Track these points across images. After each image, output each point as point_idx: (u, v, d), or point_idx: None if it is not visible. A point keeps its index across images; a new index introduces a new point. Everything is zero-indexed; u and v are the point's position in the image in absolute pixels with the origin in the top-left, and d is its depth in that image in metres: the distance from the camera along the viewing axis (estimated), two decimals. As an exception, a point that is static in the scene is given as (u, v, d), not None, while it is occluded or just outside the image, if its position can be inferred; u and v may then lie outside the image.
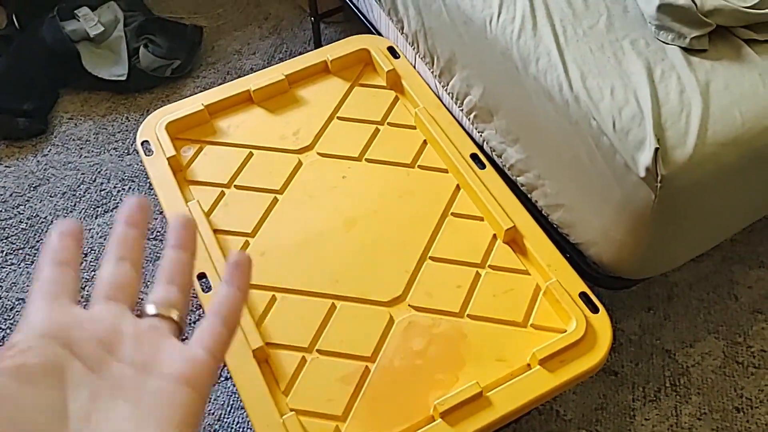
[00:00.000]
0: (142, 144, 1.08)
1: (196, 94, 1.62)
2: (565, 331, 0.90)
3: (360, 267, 0.96)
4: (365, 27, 1.34)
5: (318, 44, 1.62)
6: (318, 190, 1.05)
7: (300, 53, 1.71)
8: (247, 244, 0.99)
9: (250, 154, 1.09)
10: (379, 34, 1.30)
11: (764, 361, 1.20)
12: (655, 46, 0.87)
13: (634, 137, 0.78)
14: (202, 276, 0.94)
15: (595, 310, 0.90)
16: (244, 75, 1.68)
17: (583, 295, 0.91)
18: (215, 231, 0.99)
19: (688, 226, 0.86)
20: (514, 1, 0.92)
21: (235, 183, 1.06)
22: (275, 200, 1.04)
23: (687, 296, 1.28)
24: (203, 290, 0.93)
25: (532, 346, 0.88)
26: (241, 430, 1.14)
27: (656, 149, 0.76)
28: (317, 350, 0.89)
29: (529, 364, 0.87)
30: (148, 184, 1.45)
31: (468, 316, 0.92)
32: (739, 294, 1.28)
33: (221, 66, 1.68)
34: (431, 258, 0.97)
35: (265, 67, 1.68)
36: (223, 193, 1.04)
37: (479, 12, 0.93)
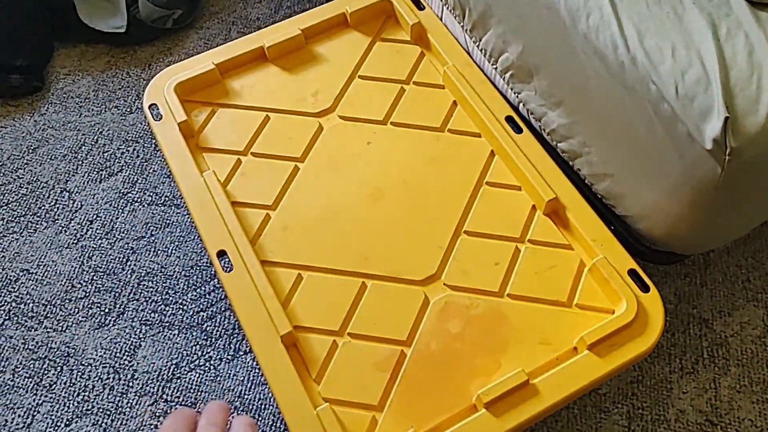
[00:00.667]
0: (149, 108, 1.00)
1: (198, 46, 1.53)
2: (613, 311, 0.84)
3: (390, 242, 0.90)
4: None
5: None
6: (341, 157, 0.97)
7: (309, 0, 1.60)
8: (267, 217, 0.92)
9: (267, 118, 1.01)
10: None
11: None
12: (719, 0, 0.78)
13: (700, 104, 0.71)
14: (221, 254, 0.88)
15: (645, 288, 0.84)
16: (250, 25, 1.58)
17: (632, 273, 0.85)
18: (233, 203, 0.92)
19: (754, 199, 0.79)
20: (560, -54, 0.82)
21: (252, 150, 0.98)
22: (296, 169, 0.96)
23: (725, 262, 1.22)
24: (224, 269, 0.86)
25: (579, 328, 0.83)
26: (262, 406, 1.09)
27: (726, 118, 0.68)
28: (349, 334, 0.83)
29: (575, 348, 0.82)
30: (153, 146, 1.37)
31: (508, 295, 0.86)
32: (783, 254, 1.22)
33: (225, 15, 1.58)
34: (466, 232, 0.91)
35: (272, 16, 1.58)
36: (239, 162, 0.97)
37: (523, -40, 0.84)
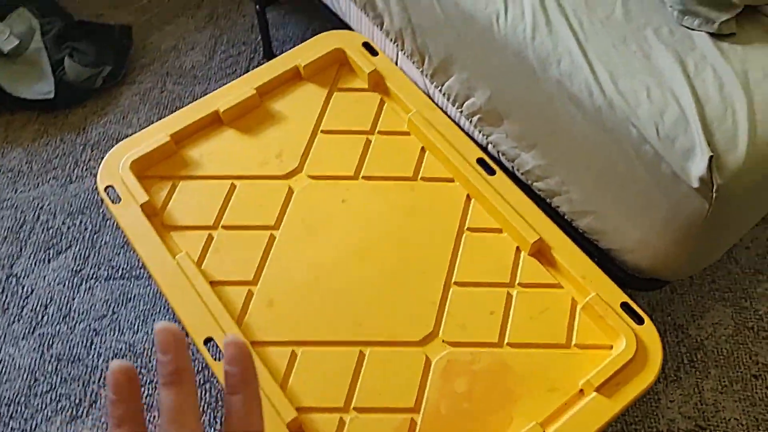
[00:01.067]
0: (105, 190, 0.94)
1: (134, 102, 1.45)
2: (611, 346, 0.85)
3: (382, 304, 0.88)
4: (316, 7, 1.21)
5: (265, 32, 1.47)
6: (317, 219, 0.94)
7: (244, 42, 1.55)
8: (250, 294, 0.88)
9: (233, 186, 0.96)
10: (345, 23, 1.18)
11: None
12: (681, 33, 0.80)
13: (682, 144, 0.72)
14: (208, 341, 0.83)
15: (639, 320, 0.85)
16: (185, 74, 1.51)
17: (625, 306, 0.86)
18: (212, 283, 0.88)
19: (736, 225, 0.81)
20: (521, -7, 0.82)
21: (222, 223, 0.93)
22: (272, 237, 0.92)
23: (690, 266, 1.26)
24: (214, 358, 0.82)
25: (581, 369, 0.83)
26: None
27: (710, 157, 0.70)
28: (355, 408, 0.81)
29: (582, 390, 0.82)
30: (101, 215, 1.30)
31: (508, 344, 0.85)
32: (738, 256, 1.27)
33: (158, 67, 1.51)
34: (456, 283, 0.89)
35: (207, 63, 1.52)
36: (211, 237, 0.92)
37: (482, 9, 0.83)
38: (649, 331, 0.84)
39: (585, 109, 0.77)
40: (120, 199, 0.92)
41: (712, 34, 0.79)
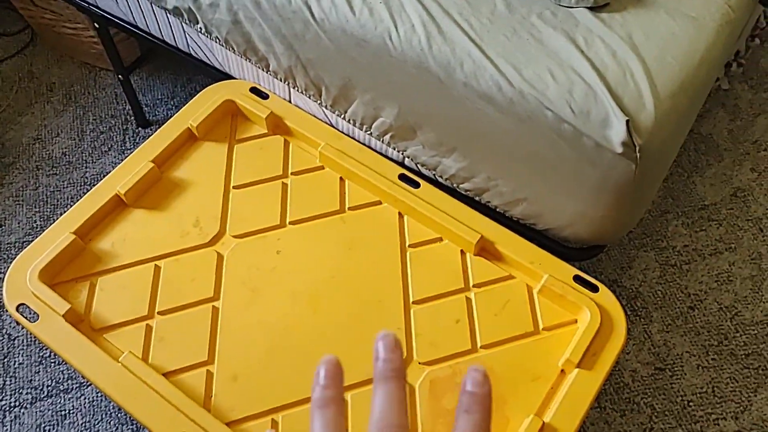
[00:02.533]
0: (17, 309, 0.84)
1: (9, 206, 1.33)
2: (575, 320, 0.87)
3: (350, 345, 0.85)
4: (180, 63, 1.16)
5: (134, 100, 1.39)
6: (257, 278, 0.90)
7: (112, 116, 1.47)
8: (210, 374, 0.83)
9: (157, 268, 0.90)
10: (219, 73, 1.14)
11: (690, 254, 1.29)
12: (562, 13, 0.83)
13: (597, 115, 0.75)
14: (184, 439, 0.77)
15: (594, 288, 0.88)
16: (58, 162, 1.40)
17: (578, 279, 0.88)
18: (166, 375, 0.81)
19: (657, 179, 0.86)
20: (403, 8, 0.83)
21: (157, 310, 0.87)
22: (215, 310, 0.87)
23: (606, 223, 1.33)
24: (193, 455, 0.76)
25: (556, 350, 0.84)
26: None
27: (627, 121, 0.73)
28: (355, 458, 0.78)
29: (563, 370, 0.83)
30: (6, 336, 1.17)
31: (482, 347, 0.85)
32: (643, 203, 1.35)
33: (25, 162, 1.39)
34: (414, 302, 0.88)
35: (78, 145, 1.42)
36: (149, 328, 0.86)
37: (372, 30, 0.83)
38: (606, 296, 0.87)
39: (497, 104, 0.79)
40: (38, 316, 0.84)
41: (590, 8, 0.83)
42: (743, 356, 1.18)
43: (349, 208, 0.96)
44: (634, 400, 1.13)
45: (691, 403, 1.13)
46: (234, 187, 0.97)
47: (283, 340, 0.85)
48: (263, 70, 1.01)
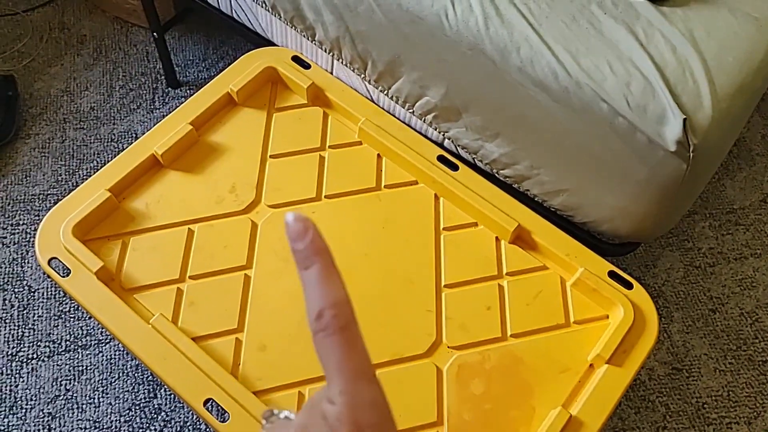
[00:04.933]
0: (49, 263, 0.84)
1: (34, 157, 1.32)
2: (607, 316, 0.87)
3: (379, 323, 0.85)
4: (214, 25, 1.14)
5: (167, 59, 1.38)
6: (289, 251, 0.89)
7: (142, 73, 1.45)
8: (239, 342, 0.82)
9: (191, 232, 0.89)
10: (256, 37, 1.12)
11: (715, 257, 1.28)
12: (623, 4, 0.81)
13: (653, 111, 0.74)
14: (207, 402, 0.77)
15: (628, 285, 0.87)
16: (85, 117, 1.38)
17: (612, 274, 0.88)
18: (195, 340, 0.81)
19: (705, 179, 0.85)
20: (463, -14, 0.81)
21: (189, 274, 0.86)
22: (247, 278, 0.87)
23: (633, 220, 1.32)
24: (219, 419, 0.76)
25: (586, 344, 0.84)
26: None
27: (684, 119, 0.72)
28: (380, 437, 0.78)
29: (592, 364, 0.83)
30: (26, 288, 1.17)
31: (512, 336, 0.85)
32: (672, 202, 1.34)
33: (52, 114, 1.38)
34: (446, 286, 0.88)
35: (107, 101, 1.41)
36: (180, 291, 0.85)
37: (429, 7, 0.81)
38: (639, 294, 0.87)
39: (552, 91, 0.77)
40: (69, 271, 0.83)
41: (651, 1, 0.81)
42: (761, 362, 1.18)
43: (385, 186, 0.95)
44: (649, 398, 1.13)
45: (705, 406, 1.13)
46: (271, 156, 0.96)
47: (314, 314, 0.84)
48: (308, 39, 0.99)
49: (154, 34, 1.30)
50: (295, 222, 0.31)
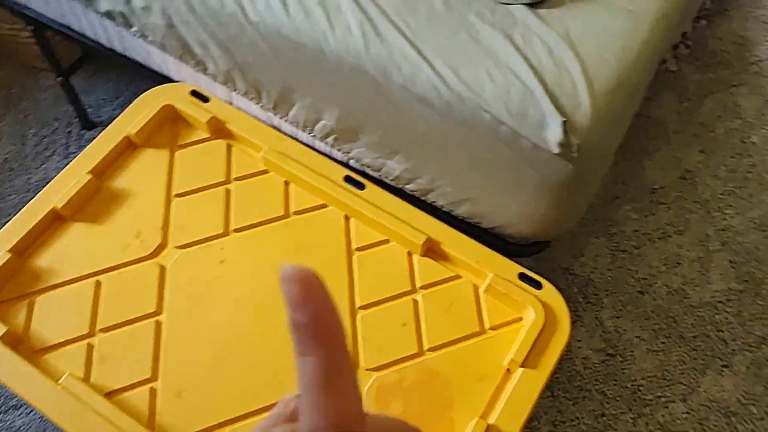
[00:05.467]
0: (-49, 334, 0.82)
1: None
2: (521, 318, 0.88)
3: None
4: (123, 64, 1.13)
5: (76, 102, 1.35)
6: (200, 289, 0.88)
7: (55, 118, 1.43)
8: (153, 391, 0.81)
9: (98, 284, 0.88)
10: (162, 74, 1.11)
11: (640, 239, 1.31)
12: (501, 11, 0.83)
13: (533, 116, 0.75)
14: (126, 457, 0.76)
15: (538, 285, 0.88)
16: (2, 171, 1.35)
17: (522, 276, 0.89)
18: (108, 396, 0.80)
19: (599, 173, 0.86)
20: (340, 9, 0.81)
21: (99, 327, 0.85)
22: (158, 324, 0.86)
23: (557, 211, 1.34)
24: (138, 474, 0.75)
25: (501, 349, 0.85)
26: None
27: (563, 121, 0.73)
28: (303, 469, 0.77)
29: (508, 369, 0.84)
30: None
31: (429, 350, 0.85)
32: (594, 189, 1.36)
33: (-36, 169, 1.35)
34: (361, 308, 0.88)
35: (20, 151, 1.38)
36: (91, 346, 0.84)
37: (308, 33, 0.81)
38: (550, 292, 0.88)
39: (435, 107, 0.78)
40: (-28, 339, 0.81)
41: (528, 5, 0.82)
42: (691, 338, 1.20)
43: (295, 213, 0.94)
44: (585, 387, 1.15)
45: (641, 388, 1.16)
46: (176, 196, 0.95)
47: (229, 352, 0.84)
48: (202, 72, 0.98)
49: (59, 78, 1.28)
50: (292, 281, 0.22)
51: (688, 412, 1.13)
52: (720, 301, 1.24)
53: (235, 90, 0.97)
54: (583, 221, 1.32)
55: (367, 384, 0.83)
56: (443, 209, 0.95)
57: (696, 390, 1.15)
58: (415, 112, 0.80)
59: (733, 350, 1.19)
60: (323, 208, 0.95)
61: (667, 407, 1.14)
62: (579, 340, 1.19)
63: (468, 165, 0.84)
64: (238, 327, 0.85)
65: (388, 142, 0.88)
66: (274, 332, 0.85)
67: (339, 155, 0.98)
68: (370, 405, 0.81)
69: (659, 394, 1.15)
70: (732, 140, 1.44)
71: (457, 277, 0.91)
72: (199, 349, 0.84)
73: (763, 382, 1.16)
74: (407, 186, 0.94)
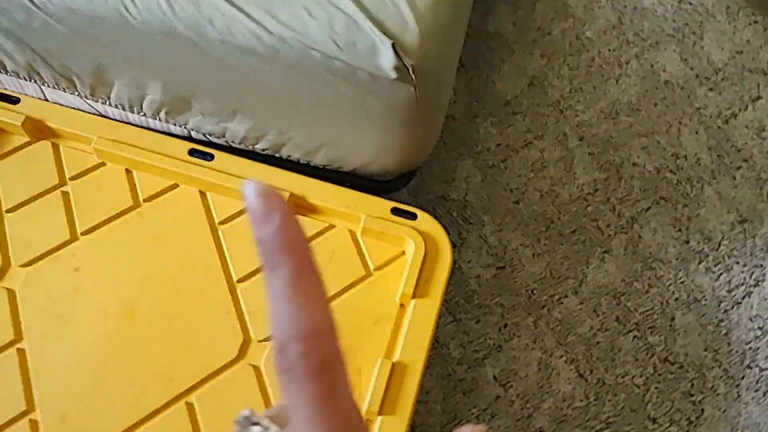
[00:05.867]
0: None
1: None
2: (403, 252, 0.87)
3: (181, 346, 0.79)
4: None
5: None
6: (59, 305, 0.81)
7: None
8: (35, 423, 0.74)
9: (-62, 327, 0.78)
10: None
11: (504, 152, 1.33)
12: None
13: (363, 45, 0.72)
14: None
15: (413, 216, 0.87)
16: None
17: (395, 210, 0.87)
18: (-20, 443, 0.72)
19: (446, 92, 0.85)
20: (134, -30, 0.74)
21: (-50, 373, 0.76)
22: (21, 352, 0.78)
23: (421, 142, 1.33)
24: None
25: (391, 286, 0.84)
26: None
27: (392, 44, 0.71)
28: (214, 460, 0.74)
29: (402, 304, 0.83)
30: None
31: (318, 306, 0.83)
32: (451, 112, 1.37)
33: None
34: (239, 281, 0.84)
35: None
36: (-54, 396, 0.75)
37: (103, 5, 0.73)
38: (425, 220, 0.87)
39: (260, 55, 0.73)
40: None
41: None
42: (570, 234, 1.25)
43: (144, 200, 0.88)
44: (484, 304, 1.17)
45: (534, 291, 1.19)
46: (7, 211, 0.86)
47: (107, 362, 0.77)
48: (2, 71, 0.88)
49: None
50: (255, 198, 0.22)
51: (581, 303, 1.18)
52: (588, 193, 1.29)
53: (44, 83, 0.88)
54: (448, 146, 1.32)
55: (263, 357, 0.79)
56: (301, 162, 0.91)
57: (584, 281, 1.21)
58: (241, 65, 0.75)
59: (609, 236, 1.25)
60: (175, 188, 0.89)
61: (561, 303, 1.18)
62: (469, 261, 1.21)
63: (311, 109, 0.80)
64: (110, 334, 0.79)
65: (224, 104, 0.83)
66: (150, 331, 0.79)
67: (178, 130, 0.91)
68: (271, 376, 0.78)
69: (552, 293, 1.19)
70: (568, 39, 1.48)
71: (332, 226, 0.88)
72: (73, 367, 0.77)
73: (639, 258, 1.23)
74: (257, 146, 0.89)
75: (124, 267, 0.83)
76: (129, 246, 0.84)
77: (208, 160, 0.88)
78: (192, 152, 0.88)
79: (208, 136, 0.90)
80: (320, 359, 0.21)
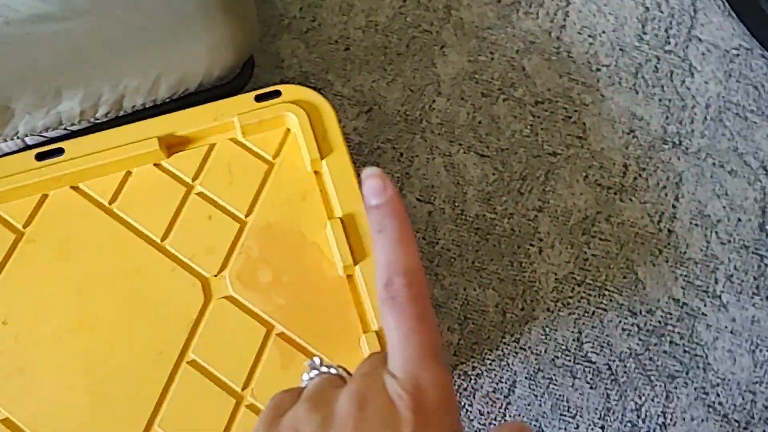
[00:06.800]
0: None
1: None
2: (289, 129, 0.88)
3: (154, 322, 0.78)
4: None
5: None
6: (15, 363, 0.76)
7: None
8: (66, 469, 0.72)
9: None
10: None
11: (312, 11, 1.34)
12: None
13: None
14: None
15: (277, 93, 0.88)
16: None
17: (259, 97, 0.87)
18: None
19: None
20: None
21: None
22: None
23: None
24: None
25: (298, 164, 0.86)
26: None
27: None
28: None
29: (315, 171, 0.86)
30: None
31: (246, 217, 0.84)
32: None
33: None
34: (162, 239, 0.82)
35: None
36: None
37: None
38: (291, 90, 0.88)
39: (54, 17, 0.68)
40: None
41: None
42: (406, 49, 1.30)
43: (24, 226, 0.82)
44: (373, 147, 1.22)
45: (407, 112, 1.25)
46: None
47: (91, 387, 0.76)
48: None
49: None
50: (372, 177, 0.32)
51: (448, 99, 1.26)
52: (400, 7, 1.34)
53: None
54: (266, 31, 1.31)
55: (227, 285, 0.80)
56: (147, 106, 0.88)
57: (440, 80, 1.27)
58: (36, 34, 0.70)
59: (437, 32, 1.32)
60: (45, 199, 0.83)
61: (433, 108, 1.25)
62: (341, 121, 1.23)
63: (121, 44, 0.76)
64: (75, 357, 0.76)
65: (43, 87, 0.77)
66: (113, 329, 0.77)
67: (11, 145, 0.84)
68: (247, 291, 0.79)
69: (421, 105, 1.26)
70: None
71: (213, 145, 0.87)
72: (63, 379, 0.75)
73: (471, 36, 1.31)
74: (98, 114, 0.84)
75: (48, 294, 0.79)
76: (39, 275, 0.80)
77: (61, 155, 0.82)
78: (39, 157, 0.82)
79: (44, 134, 0.84)
80: (419, 288, 0.29)
